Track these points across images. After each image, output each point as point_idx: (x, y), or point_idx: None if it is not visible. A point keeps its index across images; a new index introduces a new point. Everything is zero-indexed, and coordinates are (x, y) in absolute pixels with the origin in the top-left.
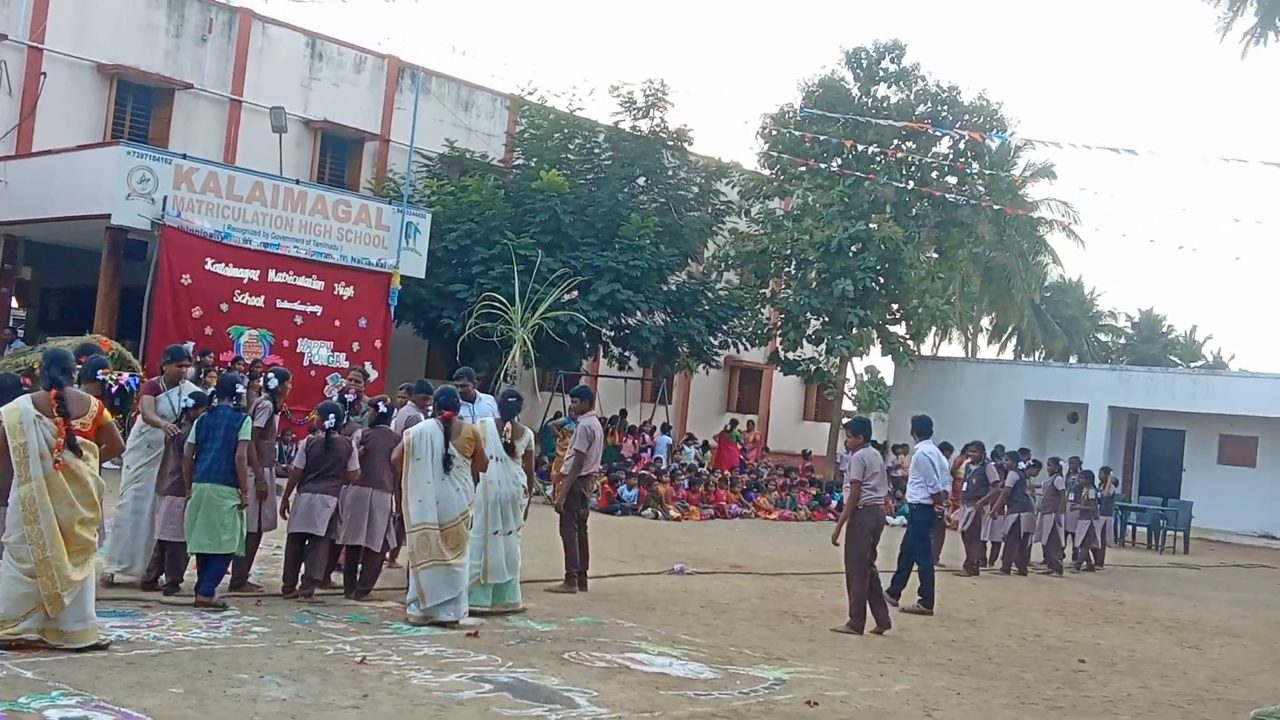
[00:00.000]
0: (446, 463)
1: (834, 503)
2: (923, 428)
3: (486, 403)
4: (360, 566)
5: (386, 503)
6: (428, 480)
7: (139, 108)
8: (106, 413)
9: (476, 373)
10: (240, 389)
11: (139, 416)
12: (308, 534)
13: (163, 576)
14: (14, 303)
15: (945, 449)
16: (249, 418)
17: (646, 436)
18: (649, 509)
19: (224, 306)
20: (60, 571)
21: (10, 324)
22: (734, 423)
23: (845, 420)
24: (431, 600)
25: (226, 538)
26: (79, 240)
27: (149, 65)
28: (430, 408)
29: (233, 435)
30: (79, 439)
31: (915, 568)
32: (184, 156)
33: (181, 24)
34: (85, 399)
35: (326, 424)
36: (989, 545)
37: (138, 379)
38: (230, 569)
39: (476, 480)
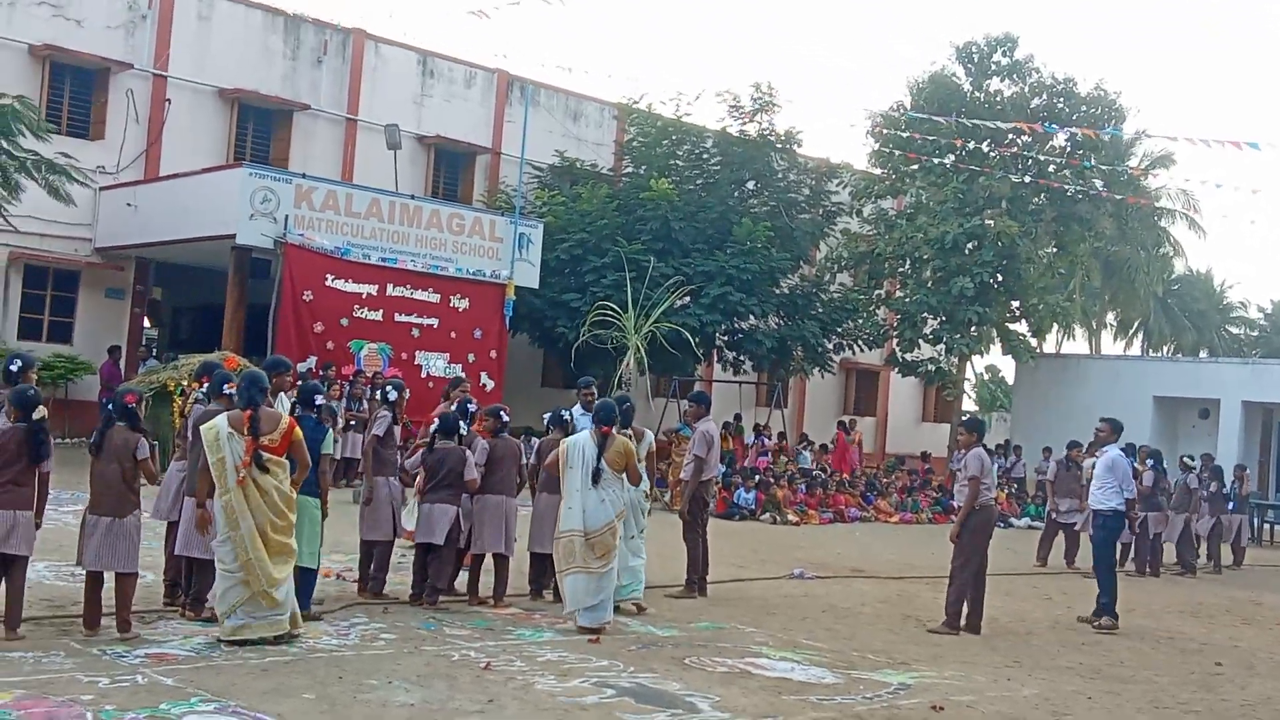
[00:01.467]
0: (596, 475)
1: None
2: (1116, 427)
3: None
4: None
5: (514, 508)
6: (576, 489)
7: (259, 130)
8: (298, 430)
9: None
10: (320, 399)
11: None
12: (430, 543)
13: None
14: (146, 322)
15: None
16: (330, 430)
17: (765, 440)
18: (767, 513)
19: (344, 321)
20: (264, 570)
21: (144, 343)
22: (845, 423)
23: (961, 419)
24: (572, 605)
25: (308, 550)
26: (206, 260)
27: (268, 88)
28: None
29: (315, 448)
30: (266, 455)
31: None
32: (303, 176)
33: (298, 47)
34: (276, 417)
35: (432, 432)
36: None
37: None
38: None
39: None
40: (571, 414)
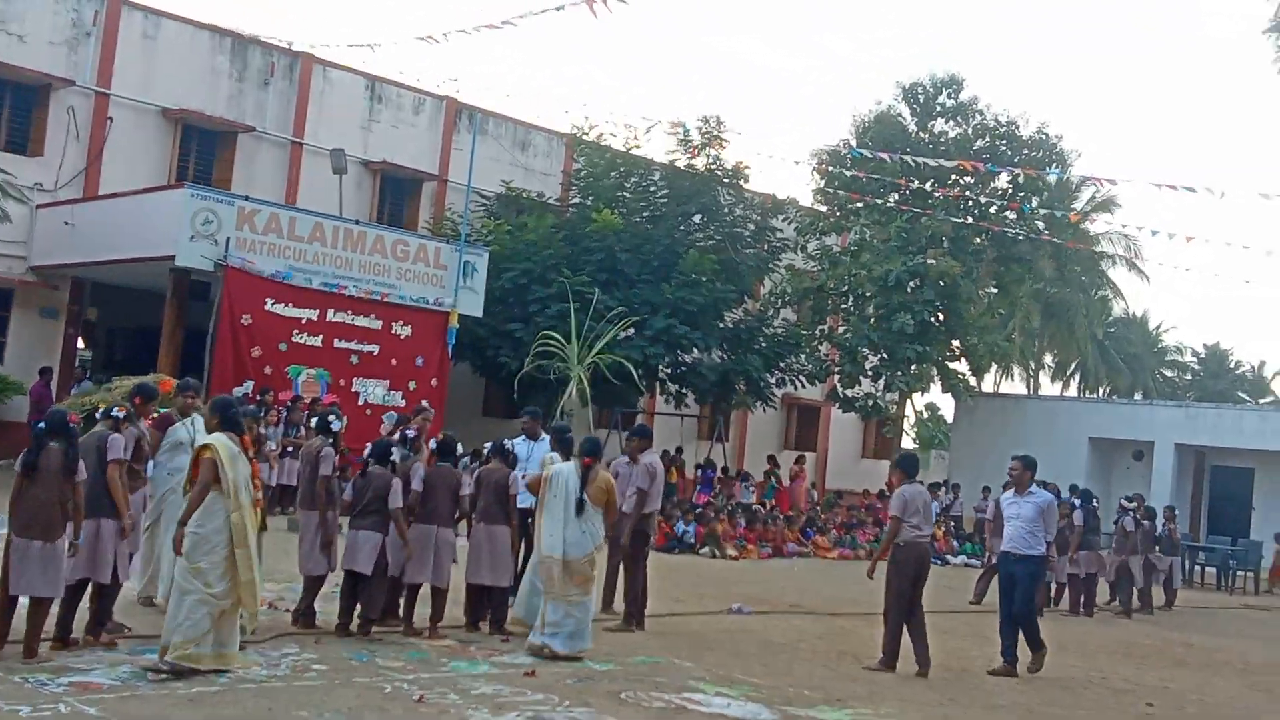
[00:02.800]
0: (579, 506)
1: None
2: (1030, 464)
3: (548, 442)
4: (411, 602)
5: (450, 539)
6: (559, 518)
7: (202, 151)
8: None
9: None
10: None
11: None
12: (356, 571)
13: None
14: (80, 343)
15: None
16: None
17: (712, 474)
18: (706, 547)
19: (282, 346)
20: (256, 592)
21: (78, 364)
22: (771, 459)
23: (894, 457)
24: (550, 630)
25: None
26: (144, 281)
27: (212, 109)
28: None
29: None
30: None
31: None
32: (246, 198)
33: (244, 69)
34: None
35: (364, 457)
36: (1053, 587)
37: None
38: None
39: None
40: (513, 444)
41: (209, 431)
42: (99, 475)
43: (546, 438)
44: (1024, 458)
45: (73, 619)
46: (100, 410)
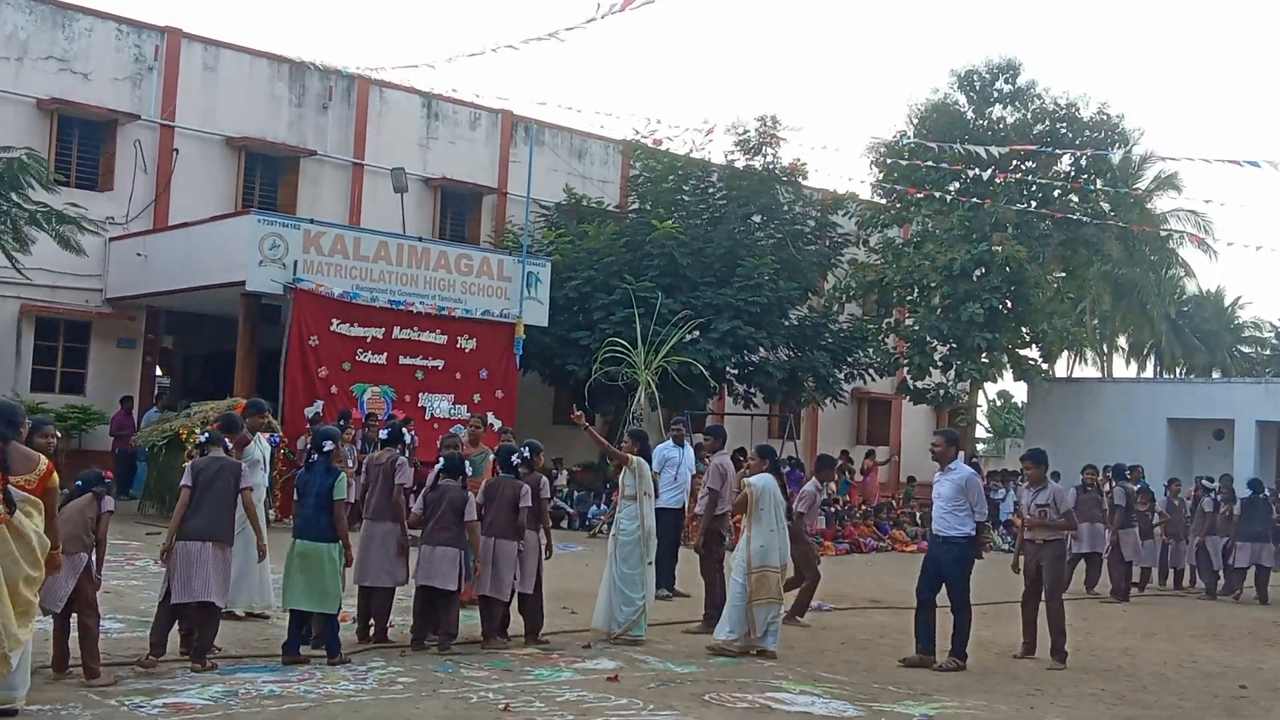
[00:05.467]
0: (788, 513)
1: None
2: (951, 438)
3: (690, 450)
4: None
5: (511, 551)
6: (772, 529)
7: (267, 177)
8: (55, 476)
9: (604, 416)
10: (329, 445)
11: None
12: (432, 587)
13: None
14: (158, 371)
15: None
16: (343, 475)
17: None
18: None
19: (346, 365)
20: (7, 630)
21: (156, 392)
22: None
23: (1023, 452)
24: (761, 630)
25: (332, 595)
26: (217, 308)
27: (274, 135)
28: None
29: (327, 492)
30: (22, 494)
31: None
32: (311, 221)
33: (303, 94)
34: (32, 457)
35: (436, 471)
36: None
37: (277, 438)
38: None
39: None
40: (663, 449)
41: None
42: (231, 501)
43: (689, 444)
44: (945, 432)
45: (165, 638)
46: (195, 439)
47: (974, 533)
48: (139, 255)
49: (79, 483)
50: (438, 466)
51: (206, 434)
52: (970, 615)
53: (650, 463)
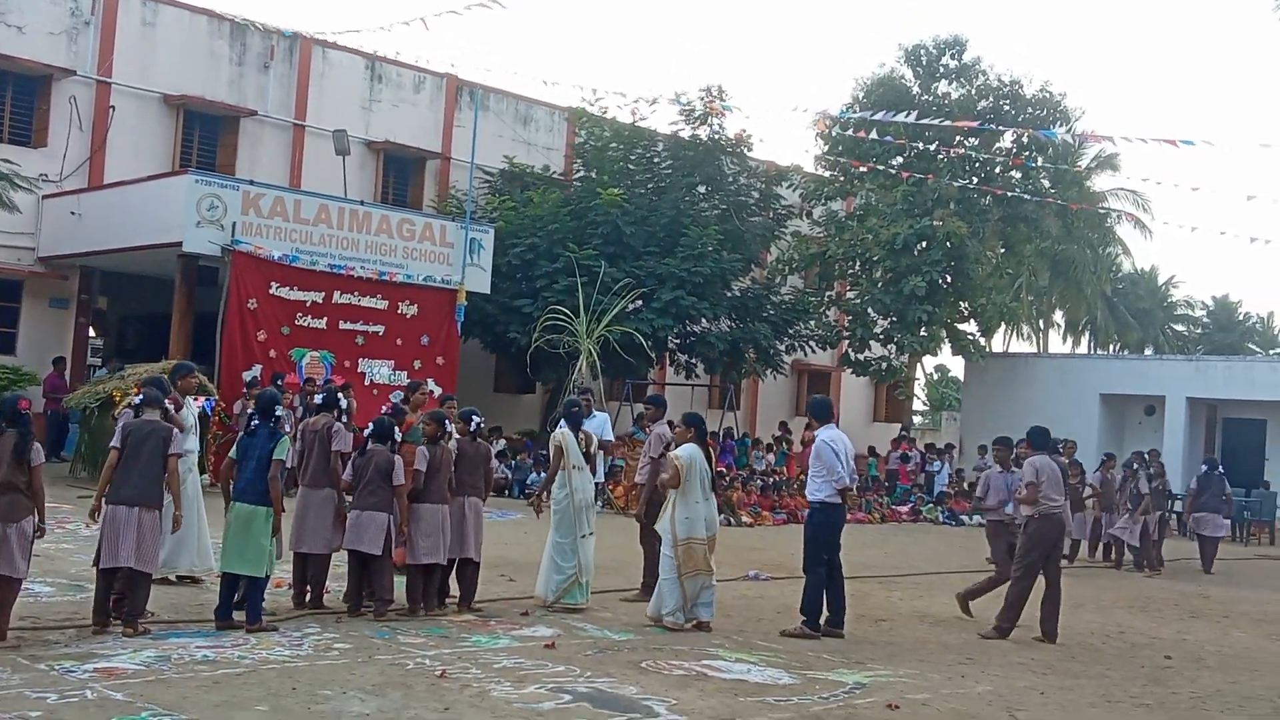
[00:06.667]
0: (713, 483)
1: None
2: (821, 412)
3: (600, 419)
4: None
5: (481, 509)
6: (699, 500)
7: (205, 136)
8: None
9: (545, 384)
10: (280, 410)
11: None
12: (360, 551)
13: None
14: (91, 332)
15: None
16: (286, 438)
17: (731, 443)
18: (722, 515)
19: (285, 330)
20: None
21: (89, 352)
22: (783, 425)
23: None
24: (693, 602)
25: (254, 558)
26: (152, 269)
27: (214, 94)
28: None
29: (267, 454)
30: None
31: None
32: (251, 182)
33: (244, 52)
34: None
35: (366, 435)
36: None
37: (213, 402)
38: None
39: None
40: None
41: None
42: (160, 465)
43: (597, 415)
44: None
45: (109, 604)
46: (128, 400)
47: (828, 499)
48: (73, 214)
49: None
50: (367, 431)
51: (141, 395)
52: (814, 579)
53: (576, 433)
